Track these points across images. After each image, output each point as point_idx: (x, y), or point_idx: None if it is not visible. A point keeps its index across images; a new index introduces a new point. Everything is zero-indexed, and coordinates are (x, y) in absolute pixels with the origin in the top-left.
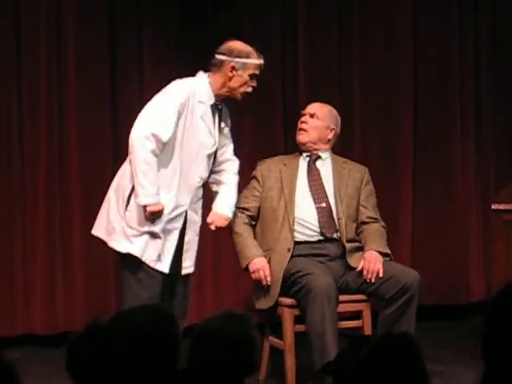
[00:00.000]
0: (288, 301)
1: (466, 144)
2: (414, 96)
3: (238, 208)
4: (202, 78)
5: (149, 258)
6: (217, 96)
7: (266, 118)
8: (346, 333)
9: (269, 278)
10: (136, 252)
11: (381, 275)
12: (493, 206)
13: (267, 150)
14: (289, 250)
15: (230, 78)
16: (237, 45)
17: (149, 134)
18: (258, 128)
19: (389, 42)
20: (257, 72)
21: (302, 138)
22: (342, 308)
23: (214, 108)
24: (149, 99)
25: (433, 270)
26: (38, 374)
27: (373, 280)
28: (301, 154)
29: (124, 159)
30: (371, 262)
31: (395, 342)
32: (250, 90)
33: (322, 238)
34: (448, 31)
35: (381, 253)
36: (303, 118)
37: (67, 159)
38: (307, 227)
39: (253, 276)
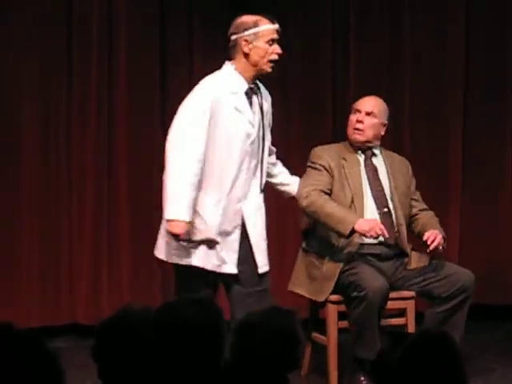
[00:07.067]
0: (333, 297)
1: None
2: (464, 95)
3: (314, 190)
4: (227, 68)
5: (212, 265)
6: (248, 79)
7: (315, 107)
8: (390, 330)
9: (385, 231)
10: (198, 263)
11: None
12: None
13: (315, 140)
14: (350, 253)
15: (249, 53)
16: (242, 19)
17: (186, 159)
18: (307, 118)
19: (440, 36)
20: (274, 37)
21: (358, 137)
22: (387, 305)
23: (251, 93)
24: None
25: (481, 270)
26: (81, 363)
27: (434, 244)
28: (353, 148)
29: None
30: (436, 236)
31: (432, 339)
32: (275, 57)
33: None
34: (502, 29)
35: None
36: (359, 117)
37: (115, 153)
38: None
39: (368, 234)
